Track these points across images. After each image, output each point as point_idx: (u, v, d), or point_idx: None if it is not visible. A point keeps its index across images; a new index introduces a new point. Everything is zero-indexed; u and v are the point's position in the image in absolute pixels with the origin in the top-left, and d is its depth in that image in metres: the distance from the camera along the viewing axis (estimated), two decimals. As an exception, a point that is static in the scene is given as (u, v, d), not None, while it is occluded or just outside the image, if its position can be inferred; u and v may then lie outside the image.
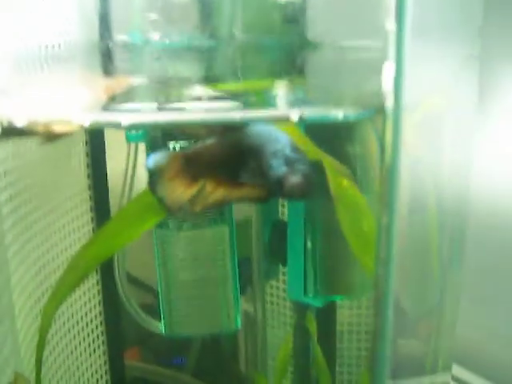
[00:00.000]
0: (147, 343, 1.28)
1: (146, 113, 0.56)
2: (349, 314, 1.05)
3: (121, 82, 0.64)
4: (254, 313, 1.06)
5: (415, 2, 0.49)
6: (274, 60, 0.92)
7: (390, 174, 0.47)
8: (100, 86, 0.65)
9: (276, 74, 0.79)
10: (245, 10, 0.93)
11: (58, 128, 0.51)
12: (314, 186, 0.65)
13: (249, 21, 0.96)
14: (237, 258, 0.91)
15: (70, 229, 0.85)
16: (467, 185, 0.86)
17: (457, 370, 1.14)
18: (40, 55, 0.76)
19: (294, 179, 0.62)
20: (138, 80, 0.68)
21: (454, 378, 1.13)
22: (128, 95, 0.64)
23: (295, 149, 0.65)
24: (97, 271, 0.94)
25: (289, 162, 0.63)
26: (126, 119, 0.52)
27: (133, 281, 1.08)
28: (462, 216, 0.88)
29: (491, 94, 1.01)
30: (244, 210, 0.97)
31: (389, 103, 0.46)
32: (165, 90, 0.68)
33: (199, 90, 0.63)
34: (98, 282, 0.92)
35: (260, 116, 0.56)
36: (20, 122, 0.50)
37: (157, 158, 0.67)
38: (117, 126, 0.52)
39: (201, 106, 0.59)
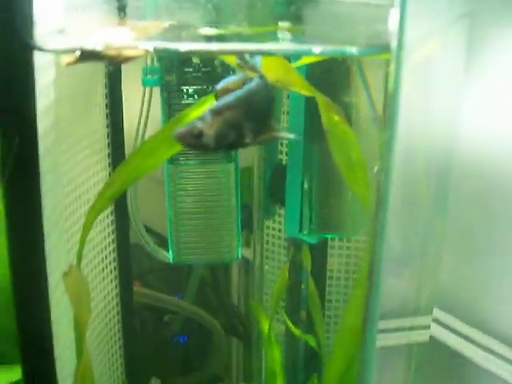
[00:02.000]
0: (146, 279, 1.37)
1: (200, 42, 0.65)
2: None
3: (156, 25, 0.73)
4: (252, 251, 1.16)
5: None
6: (277, 10, 1.00)
7: (392, 99, 0.56)
8: (139, 28, 0.73)
9: (278, 21, 0.87)
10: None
11: (127, 52, 0.61)
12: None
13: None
14: (239, 201, 0.99)
15: (91, 162, 0.93)
16: (454, 135, 0.94)
17: (438, 313, 1.23)
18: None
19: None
20: (167, 23, 0.75)
21: (435, 320, 1.22)
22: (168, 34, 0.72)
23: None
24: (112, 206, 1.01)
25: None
26: (185, 46, 0.62)
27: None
28: (447, 166, 0.97)
29: (481, 50, 1.09)
30: (246, 157, 1.05)
31: (393, 43, 0.55)
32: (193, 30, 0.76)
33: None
34: (112, 213, 1.01)
35: (291, 49, 0.65)
36: (99, 47, 0.59)
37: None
38: (175, 52, 0.62)
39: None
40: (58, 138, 0.72)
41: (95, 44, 0.60)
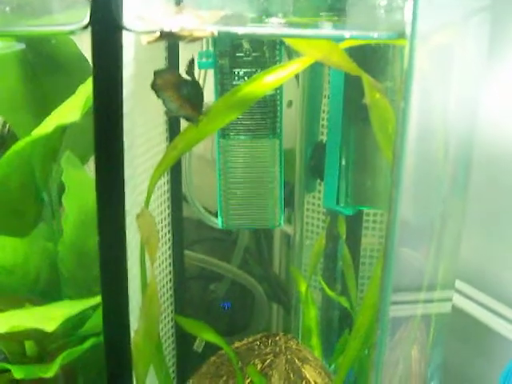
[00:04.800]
0: (194, 249, 1.49)
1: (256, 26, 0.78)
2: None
3: (215, 14, 0.84)
4: (293, 223, 1.27)
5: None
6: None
7: (406, 76, 0.67)
8: (201, 16, 0.85)
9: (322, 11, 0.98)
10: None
11: (197, 33, 0.73)
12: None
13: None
14: (283, 174, 1.10)
15: (153, 134, 1.05)
16: (474, 117, 1.04)
17: (461, 286, 1.33)
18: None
19: None
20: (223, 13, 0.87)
21: (459, 292, 1.32)
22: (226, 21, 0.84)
23: None
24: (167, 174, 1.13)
25: None
26: (242, 30, 0.78)
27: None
28: (468, 146, 1.06)
29: (502, 43, 1.19)
30: (289, 137, 1.16)
31: (408, 30, 0.67)
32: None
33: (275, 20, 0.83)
34: (167, 182, 1.12)
35: (332, 34, 0.81)
36: (175, 28, 0.73)
37: None
38: (234, 35, 0.77)
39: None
40: (132, 108, 0.84)
41: (172, 26, 0.73)
